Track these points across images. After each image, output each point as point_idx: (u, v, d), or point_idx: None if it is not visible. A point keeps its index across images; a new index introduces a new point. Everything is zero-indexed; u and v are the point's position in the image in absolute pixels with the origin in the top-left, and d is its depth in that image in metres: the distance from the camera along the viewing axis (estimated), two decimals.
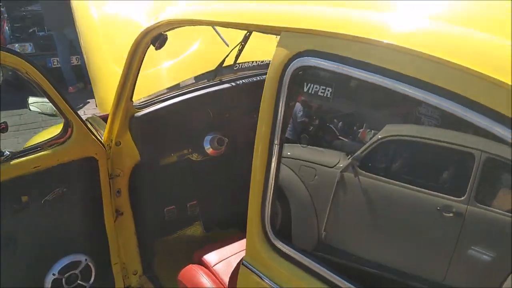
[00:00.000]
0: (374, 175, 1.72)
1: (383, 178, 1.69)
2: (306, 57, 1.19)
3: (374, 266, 1.41)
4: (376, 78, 1.08)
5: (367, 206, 1.71)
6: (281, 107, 1.29)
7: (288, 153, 2.04)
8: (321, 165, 1.88)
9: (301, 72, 1.23)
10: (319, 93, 1.25)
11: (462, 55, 0.97)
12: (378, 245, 1.55)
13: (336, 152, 1.91)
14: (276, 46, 1.26)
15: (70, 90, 7.15)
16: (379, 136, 1.73)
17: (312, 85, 1.27)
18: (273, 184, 1.37)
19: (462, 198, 1.49)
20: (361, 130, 1.71)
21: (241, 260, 1.51)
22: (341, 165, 1.76)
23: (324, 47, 1.16)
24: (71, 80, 7.25)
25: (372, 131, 1.67)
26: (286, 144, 1.95)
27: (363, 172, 1.72)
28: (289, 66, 1.22)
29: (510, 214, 1.36)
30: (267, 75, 1.30)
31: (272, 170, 1.36)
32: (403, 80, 1.03)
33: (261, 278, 1.40)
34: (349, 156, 1.74)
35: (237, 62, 2.64)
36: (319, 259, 1.34)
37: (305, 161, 1.94)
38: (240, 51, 2.54)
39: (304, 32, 1.20)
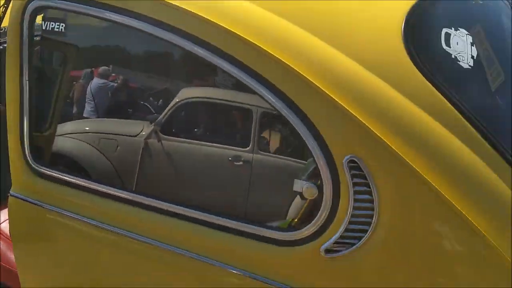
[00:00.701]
0: (175, 138, 1.95)
1: (183, 139, 1.93)
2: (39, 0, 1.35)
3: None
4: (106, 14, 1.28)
5: (172, 166, 1.91)
6: (26, 46, 1.39)
7: (86, 128, 2.08)
8: (123, 135, 2.00)
9: (38, 12, 1.38)
10: (58, 30, 1.42)
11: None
12: (185, 194, 1.70)
13: (138, 122, 2.04)
14: None
15: None
16: (177, 100, 1.94)
17: (51, 23, 1.43)
18: (28, 119, 1.45)
19: (248, 148, 1.83)
20: None
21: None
22: (144, 133, 1.93)
23: None
24: None
25: None
26: (82, 120, 2.01)
27: (165, 136, 1.92)
28: (27, 10, 1.35)
29: (285, 157, 1.74)
30: (8, 24, 1.40)
31: (26, 104, 1.43)
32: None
33: (28, 202, 1.49)
34: (152, 123, 1.91)
35: (2, 25, 2.62)
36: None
37: (105, 133, 2.01)
38: (4, 13, 2.53)
39: None
